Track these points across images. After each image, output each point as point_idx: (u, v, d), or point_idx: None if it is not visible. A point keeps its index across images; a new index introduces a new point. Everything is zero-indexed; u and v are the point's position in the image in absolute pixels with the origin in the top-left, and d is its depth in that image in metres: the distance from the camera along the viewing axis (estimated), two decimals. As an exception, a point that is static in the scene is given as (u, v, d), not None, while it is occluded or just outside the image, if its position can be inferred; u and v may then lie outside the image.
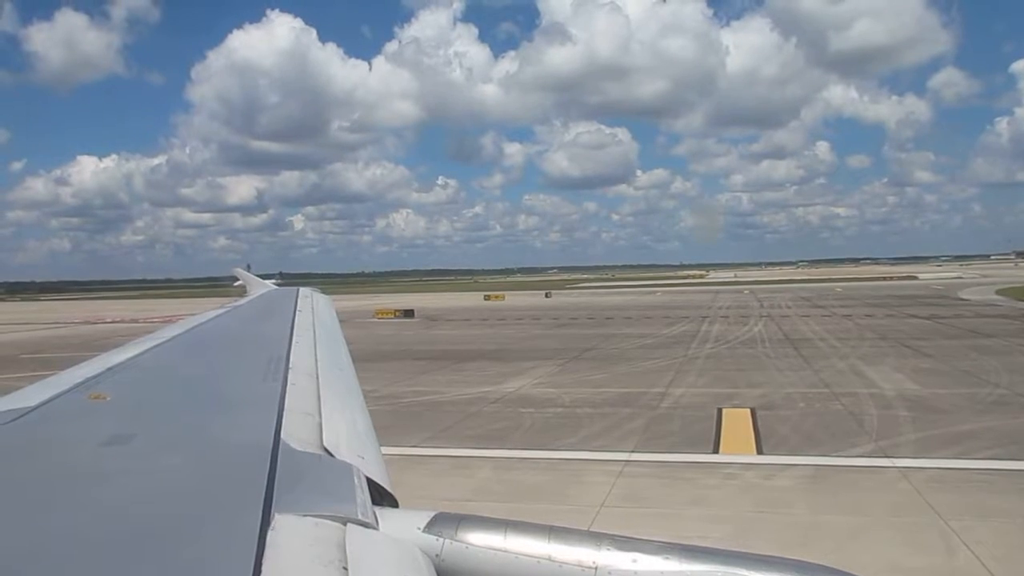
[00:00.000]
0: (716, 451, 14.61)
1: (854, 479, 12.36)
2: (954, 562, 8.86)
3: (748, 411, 17.82)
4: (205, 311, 7.55)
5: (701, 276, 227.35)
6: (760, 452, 14.38)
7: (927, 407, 17.76)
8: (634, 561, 1.80)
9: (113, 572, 1.44)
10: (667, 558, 1.81)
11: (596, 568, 1.80)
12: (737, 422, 16.83)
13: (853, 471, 12.83)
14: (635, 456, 14.04)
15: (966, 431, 15.22)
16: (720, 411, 17.90)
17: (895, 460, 13.14)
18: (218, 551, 1.52)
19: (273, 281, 14.46)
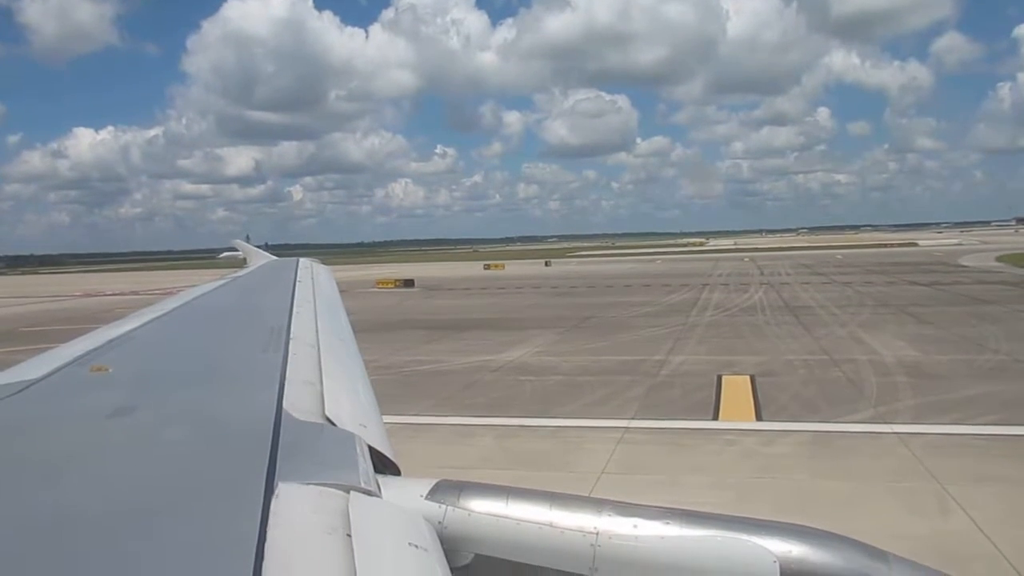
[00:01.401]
0: (716, 418, 14.69)
1: (853, 445, 12.44)
2: (951, 526, 8.96)
3: (748, 378, 17.89)
4: (205, 283, 7.55)
5: (701, 244, 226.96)
6: (760, 419, 14.46)
7: (926, 374, 17.82)
8: (635, 526, 1.82)
9: (120, 542, 1.45)
10: (667, 523, 1.82)
11: (597, 533, 1.82)
12: (737, 389, 16.91)
13: (852, 437, 12.91)
14: (635, 423, 14.12)
15: (965, 397, 15.29)
16: (720, 378, 17.96)
17: (894, 426, 13.22)
18: (223, 520, 1.53)
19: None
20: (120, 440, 2.18)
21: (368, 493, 1.74)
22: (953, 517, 9.17)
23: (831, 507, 9.58)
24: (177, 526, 1.51)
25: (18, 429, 2.34)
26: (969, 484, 10.20)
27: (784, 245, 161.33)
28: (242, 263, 12.63)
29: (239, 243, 15.26)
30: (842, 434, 13.08)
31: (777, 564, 1.73)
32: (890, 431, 12.93)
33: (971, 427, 13.16)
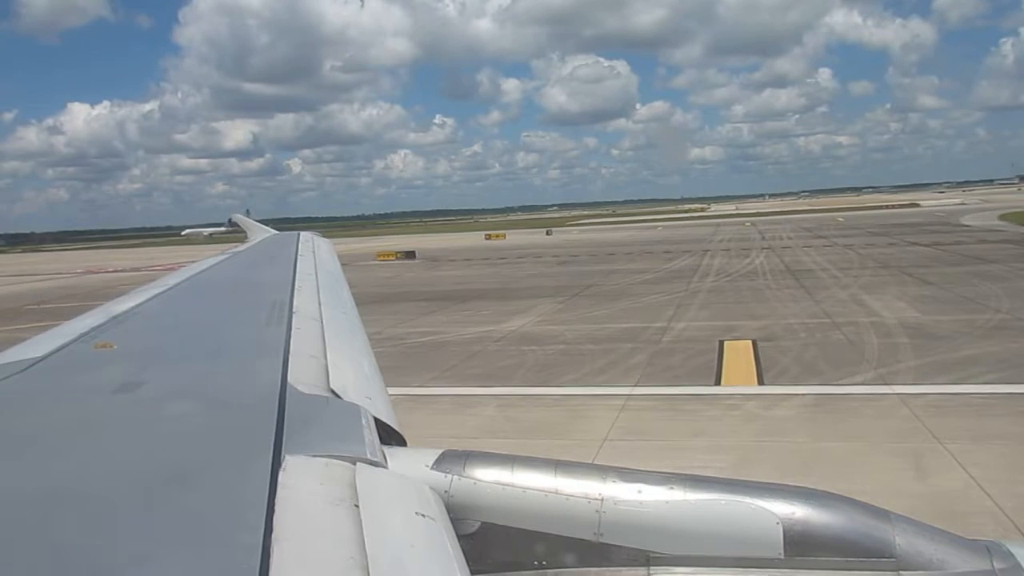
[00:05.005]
0: (718, 383, 14.75)
1: (854, 407, 12.51)
2: (952, 484, 9.03)
3: (749, 343, 17.93)
4: (206, 258, 7.55)
5: (702, 210, 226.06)
6: (761, 383, 14.53)
7: (927, 334, 17.85)
8: (639, 492, 1.84)
9: (130, 516, 1.47)
10: (671, 488, 1.84)
11: (602, 499, 1.84)
12: (739, 354, 16.96)
13: (853, 399, 12.97)
14: (637, 390, 14.18)
15: (966, 357, 15.33)
16: (722, 344, 18.00)
17: (895, 387, 13.27)
18: (231, 493, 1.55)
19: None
20: (127, 416, 2.20)
21: (374, 464, 1.76)
22: (953, 475, 9.24)
23: (833, 468, 9.66)
24: (186, 500, 1.53)
25: (25, 407, 2.36)
26: (969, 442, 10.26)
27: (786, 209, 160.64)
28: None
29: (239, 217, 15.13)
30: (844, 396, 13.15)
31: (780, 526, 1.76)
32: (891, 392, 12.99)
33: (972, 386, 13.20)
